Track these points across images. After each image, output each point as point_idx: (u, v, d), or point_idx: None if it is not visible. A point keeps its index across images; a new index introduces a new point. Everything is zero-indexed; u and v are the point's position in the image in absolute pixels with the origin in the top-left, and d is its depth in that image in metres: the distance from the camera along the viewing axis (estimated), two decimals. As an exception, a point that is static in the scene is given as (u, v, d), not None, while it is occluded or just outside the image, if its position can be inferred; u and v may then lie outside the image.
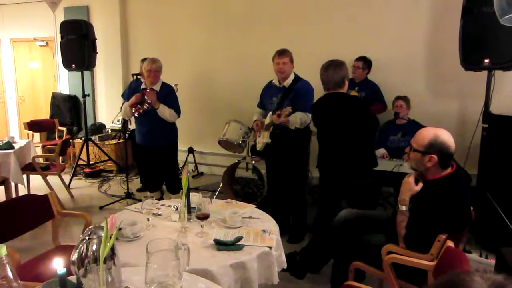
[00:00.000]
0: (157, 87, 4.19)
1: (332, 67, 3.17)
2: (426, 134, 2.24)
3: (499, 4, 1.60)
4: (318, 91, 4.08)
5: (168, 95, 4.22)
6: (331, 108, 3.21)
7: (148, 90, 4.07)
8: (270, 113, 3.78)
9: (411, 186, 2.29)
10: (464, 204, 2.22)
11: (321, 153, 3.34)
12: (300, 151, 3.89)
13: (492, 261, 3.24)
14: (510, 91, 4.24)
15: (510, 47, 3.33)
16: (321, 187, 3.39)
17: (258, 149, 3.99)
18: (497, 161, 3.62)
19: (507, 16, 1.60)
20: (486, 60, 3.45)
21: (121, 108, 4.51)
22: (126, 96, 4.94)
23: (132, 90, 4.31)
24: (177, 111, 4.24)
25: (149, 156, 4.38)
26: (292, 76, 3.82)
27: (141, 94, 4.07)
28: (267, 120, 3.82)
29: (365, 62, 4.74)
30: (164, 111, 4.11)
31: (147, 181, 4.71)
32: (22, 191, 4.83)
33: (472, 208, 2.31)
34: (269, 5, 5.59)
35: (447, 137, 2.20)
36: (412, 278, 2.25)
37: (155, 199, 2.66)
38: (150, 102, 4.04)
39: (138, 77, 5.01)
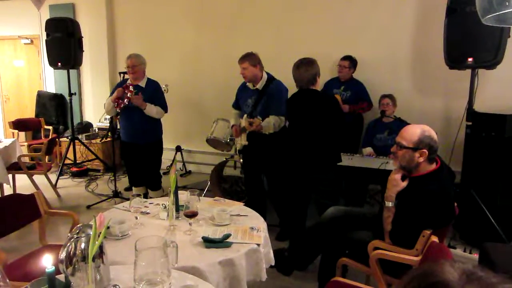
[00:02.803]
0: (142, 83, 4.22)
1: (303, 66, 3.25)
2: (414, 130, 2.29)
3: (481, 4, 1.64)
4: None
5: (154, 92, 4.24)
6: (302, 104, 3.31)
7: (128, 85, 4.09)
8: (245, 116, 3.79)
9: (398, 183, 2.33)
10: (448, 200, 2.27)
11: (288, 146, 3.43)
12: (277, 147, 3.91)
13: (476, 256, 3.30)
14: (493, 90, 4.31)
15: (493, 46, 3.40)
16: (284, 179, 3.56)
17: (237, 149, 4.03)
18: (481, 158, 3.69)
19: (488, 16, 1.64)
20: (470, 59, 3.52)
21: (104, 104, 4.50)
22: None
23: (117, 86, 4.33)
24: (164, 107, 4.29)
25: (134, 153, 4.41)
26: (265, 78, 3.82)
27: (122, 89, 4.09)
28: (243, 122, 3.81)
29: (351, 62, 4.77)
30: (151, 111, 4.16)
31: (132, 176, 4.70)
32: (8, 191, 4.77)
33: (456, 204, 2.36)
34: (256, 5, 5.59)
35: (432, 132, 2.28)
36: (398, 273, 2.28)
37: (138, 193, 2.66)
38: (129, 97, 4.06)
39: (126, 75, 4.98)
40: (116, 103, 4.14)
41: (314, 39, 5.22)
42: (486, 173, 3.67)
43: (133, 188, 4.65)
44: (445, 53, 3.68)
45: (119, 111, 4.22)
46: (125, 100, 4.09)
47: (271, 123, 3.62)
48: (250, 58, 3.75)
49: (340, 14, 5.13)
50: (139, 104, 4.07)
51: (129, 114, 4.22)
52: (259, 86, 3.81)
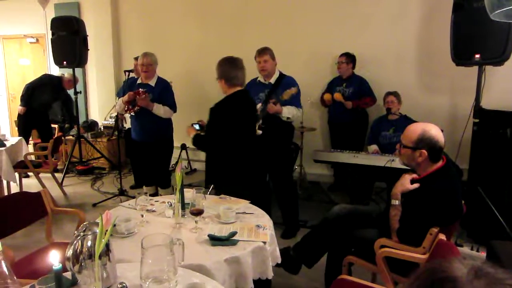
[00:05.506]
0: (152, 82, 4.21)
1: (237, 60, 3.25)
2: (415, 130, 2.26)
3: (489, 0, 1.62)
4: (307, 87, 4.09)
5: (163, 91, 4.21)
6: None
7: (141, 92, 4.05)
8: (259, 105, 3.73)
9: (405, 183, 2.31)
10: (456, 197, 2.25)
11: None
12: (283, 146, 3.91)
13: (483, 254, 3.28)
14: (500, 86, 4.28)
15: (501, 43, 3.37)
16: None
17: None
18: (488, 155, 3.66)
19: (497, 11, 1.62)
20: (477, 56, 3.49)
21: (116, 103, 4.51)
22: (121, 95, 4.91)
23: (128, 86, 4.30)
24: (173, 107, 4.26)
25: (143, 151, 4.39)
26: (277, 73, 3.83)
27: (134, 94, 4.06)
28: None
29: (348, 57, 4.80)
30: (159, 110, 4.13)
31: (142, 175, 4.70)
32: (15, 189, 4.80)
33: (463, 202, 2.34)
34: (261, 3, 5.58)
35: (435, 132, 2.23)
36: (405, 271, 2.27)
37: (150, 194, 2.66)
38: (140, 105, 4.06)
39: (131, 74, 4.98)
40: (127, 107, 4.14)
41: (317, 36, 5.21)
42: (493, 171, 3.64)
43: (144, 187, 4.59)
44: (452, 49, 3.65)
45: (132, 114, 4.22)
46: (135, 108, 4.09)
47: (291, 109, 3.65)
48: (270, 52, 3.76)
49: (345, 11, 5.11)
50: (145, 105, 4.06)
51: (138, 114, 4.21)
52: (272, 80, 3.81)
